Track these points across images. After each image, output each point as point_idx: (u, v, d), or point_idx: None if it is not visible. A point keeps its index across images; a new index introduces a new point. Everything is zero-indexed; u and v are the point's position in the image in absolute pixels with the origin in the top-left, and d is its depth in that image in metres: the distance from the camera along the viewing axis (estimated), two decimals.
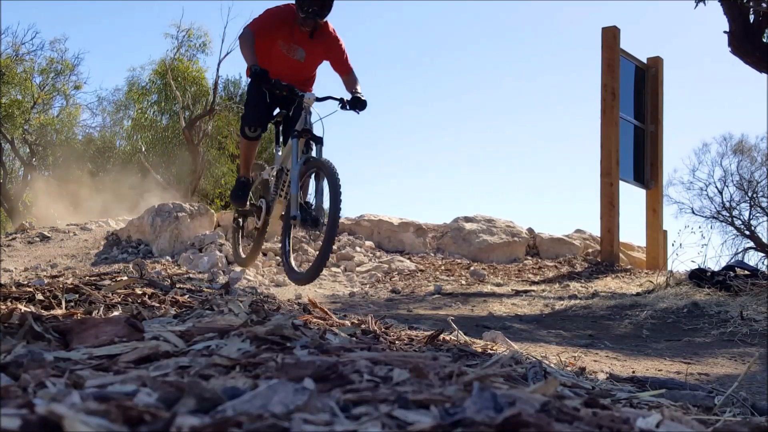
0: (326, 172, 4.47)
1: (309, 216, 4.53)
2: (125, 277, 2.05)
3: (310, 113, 4.67)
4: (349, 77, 4.95)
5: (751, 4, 6.86)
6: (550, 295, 5.72)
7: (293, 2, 4.88)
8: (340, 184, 4.40)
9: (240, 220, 5.56)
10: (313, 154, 4.65)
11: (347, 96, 4.82)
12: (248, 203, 5.25)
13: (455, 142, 33.72)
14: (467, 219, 8.82)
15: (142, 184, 16.73)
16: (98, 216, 11.30)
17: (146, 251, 8.17)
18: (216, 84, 18.63)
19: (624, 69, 8.08)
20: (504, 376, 1.04)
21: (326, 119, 4.80)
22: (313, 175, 4.64)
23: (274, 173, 5.11)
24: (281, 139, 5.15)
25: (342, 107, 4.75)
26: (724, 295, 4.67)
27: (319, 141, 4.67)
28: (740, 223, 20.96)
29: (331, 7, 4.81)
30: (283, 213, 4.87)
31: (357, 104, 4.74)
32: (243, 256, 5.54)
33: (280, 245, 5.08)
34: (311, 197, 4.67)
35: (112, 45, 32.76)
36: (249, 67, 4.92)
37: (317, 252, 4.78)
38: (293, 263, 4.73)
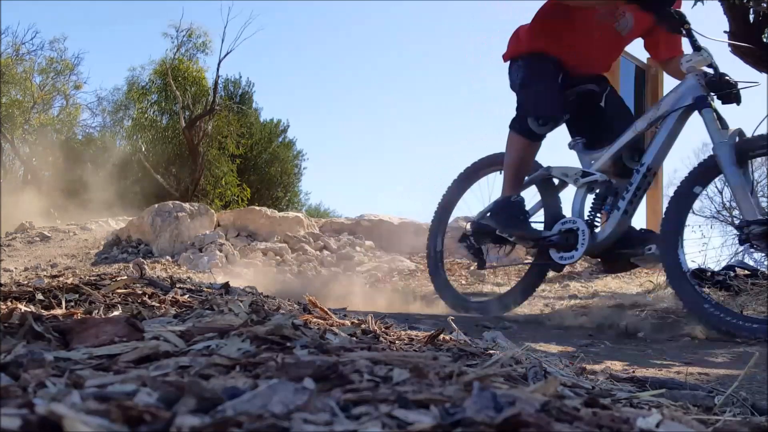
0: None
1: None
2: (125, 277, 2.05)
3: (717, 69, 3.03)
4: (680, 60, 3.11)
5: (751, 4, 6.86)
6: (550, 295, 5.71)
7: None
8: None
9: (475, 242, 3.78)
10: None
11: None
12: (531, 228, 3.52)
13: (455, 142, 33.72)
14: (467, 219, 8.81)
15: (141, 184, 16.74)
16: (98, 216, 11.29)
17: (146, 251, 8.17)
18: (216, 84, 18.66)
19: (624, 69, 8.07)
20: (504, 376, 1.04)
21: None
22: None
23: (588, 181, 3.33)
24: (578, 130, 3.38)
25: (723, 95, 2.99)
26: (724, 295, 4.67)
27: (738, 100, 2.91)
28: None
29: None
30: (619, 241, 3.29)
31: (734, 95, 3.01)
32: (446, 286, 3.76)
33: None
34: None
35: (112, 45, 32.77)
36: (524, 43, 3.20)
37: None
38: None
